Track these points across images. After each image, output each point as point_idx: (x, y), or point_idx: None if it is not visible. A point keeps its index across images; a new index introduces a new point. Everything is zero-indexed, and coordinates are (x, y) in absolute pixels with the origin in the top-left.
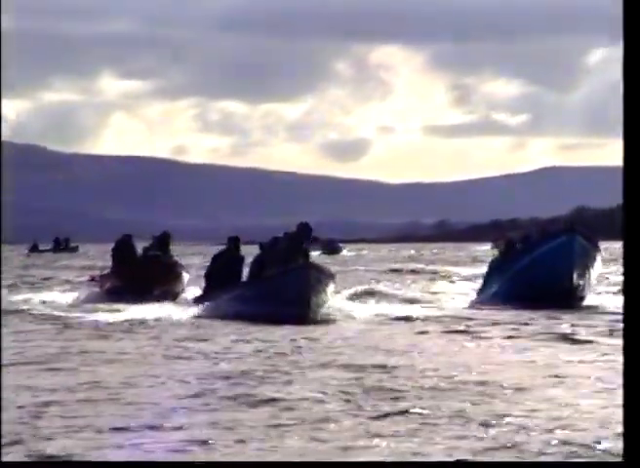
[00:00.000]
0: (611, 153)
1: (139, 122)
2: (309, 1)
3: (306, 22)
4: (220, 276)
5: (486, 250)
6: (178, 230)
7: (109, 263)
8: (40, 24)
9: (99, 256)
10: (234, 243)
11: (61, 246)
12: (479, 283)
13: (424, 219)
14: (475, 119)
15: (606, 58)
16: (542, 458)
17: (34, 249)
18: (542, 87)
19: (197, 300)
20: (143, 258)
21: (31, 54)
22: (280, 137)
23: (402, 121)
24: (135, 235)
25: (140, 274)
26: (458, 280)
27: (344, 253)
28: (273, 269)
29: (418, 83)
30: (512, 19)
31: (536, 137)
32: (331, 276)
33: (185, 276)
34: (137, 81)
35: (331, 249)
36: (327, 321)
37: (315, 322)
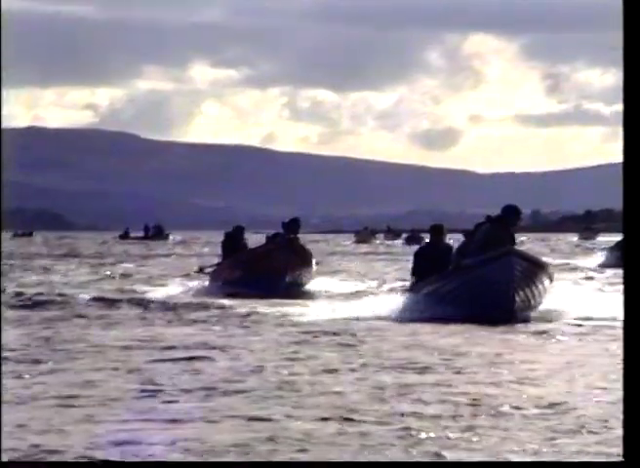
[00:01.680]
0: None
1: (229, 110)
2: None
3: (399, 12)
4: (425, 272)
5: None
6: (267, 220)
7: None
8: (133, 14)
9: (196, 245)
10: (436, 231)
11: (150, 233)
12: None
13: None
14: (569, 108)
15: None
16: None
17: (125, 235)
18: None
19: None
20: (277, 242)
21: (125, 43)
22: (370, 126)
23: (493, 110)
24: (231, 224)
25: (271, 260)
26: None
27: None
28: (472, 259)
29: (510, 72)
30: (606, 9)
31: None
32: (542, 267)
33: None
34: (227, 70)
35: (413, 238)
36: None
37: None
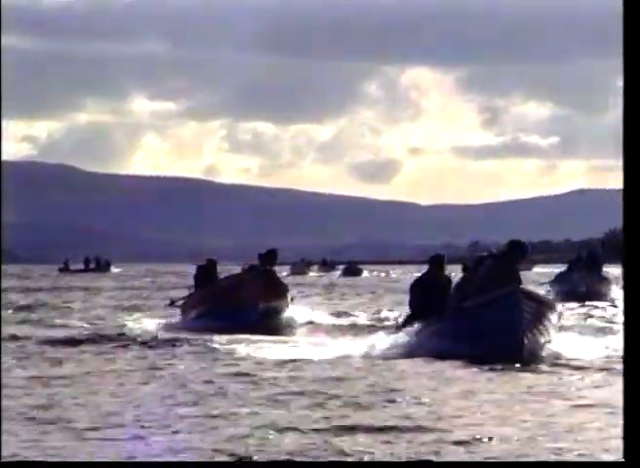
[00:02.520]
0: None
1: (170, 143)
2: (340, 22)
3: (337, 44)
4: (422, 305)
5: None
6: (211, 250)
7: (142, 282)
8: (71, 46)
9: (138, 276)
10: (436, 262)
11: (91, 265)
12: None
13: (457, 241)
14: (505, 141)
15: None
16: None
17: (65, 268)
18: (573, 109)
19: (400, 327)
20: (250, 273)
21: (63, 74)
22: (310, 158)
23: (432, 142)
24: (171, 256)
25: (242, 291)
26: None
27: (365, 274)
28: (475, 298)
29: (448, 105)
30: (543, 42)
31: (566, 160)
32: (550, 306)
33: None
34: (166, 102)
35: (350, 270)
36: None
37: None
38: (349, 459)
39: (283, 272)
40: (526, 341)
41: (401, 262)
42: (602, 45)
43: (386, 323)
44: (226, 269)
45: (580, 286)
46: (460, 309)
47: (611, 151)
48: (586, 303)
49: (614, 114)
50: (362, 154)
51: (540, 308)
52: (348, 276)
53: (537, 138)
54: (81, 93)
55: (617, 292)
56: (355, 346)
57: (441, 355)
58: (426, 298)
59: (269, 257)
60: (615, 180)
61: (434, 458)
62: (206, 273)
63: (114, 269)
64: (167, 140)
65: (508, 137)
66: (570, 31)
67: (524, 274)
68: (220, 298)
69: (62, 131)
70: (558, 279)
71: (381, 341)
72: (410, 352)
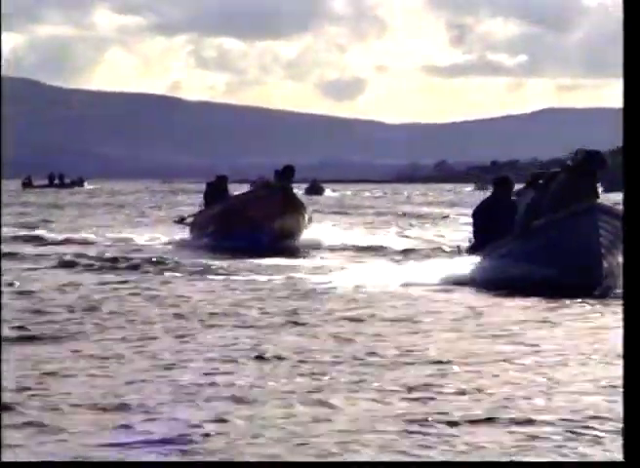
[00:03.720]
0: (609, 94)
1: (135, 58)
2: None
3: None
4: (489, 232)
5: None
6: (175, 167)
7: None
8: None
9: (105, 193)
10: (502, 184)
11: (56, 182)
12: None
13: (424, 160)
14: (473, 59)
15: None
16: None
17: (27, 184)
18: (540, 27)
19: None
20: (267, 189)
21: None
22: (277, 75)
23: (399, 60)
24: (139, 172)
25: (258, 209)
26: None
27: (328, 193)
28: (546, 217)
29: (414, 22)
30: None
31: (534, 78)
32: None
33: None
34: (132, 16)
35: (312, 189)
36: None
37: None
38: None
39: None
40: (605, 265)
41: (367, 181)
42: None
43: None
44: (197, 187)
45: None
46: (529, 229)
47: (577, 70)
48: None
49: (580, 33)
50: (328, 72)
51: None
52: (311, 194)
53: (504, 57)
54: (41, 3)
55: None
56: (413, 273)
57: (508, 281)
58: (493, 225)
59: (287, 173)
60: (581, 99)
61: None
62: (216, 190)
63: (88, 185)
64: (132, 55)
65: (476, 55)
66: None
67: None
68: (233, 216)
69: (25, 45)
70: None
71: (443, 268)
72: (477, 279)
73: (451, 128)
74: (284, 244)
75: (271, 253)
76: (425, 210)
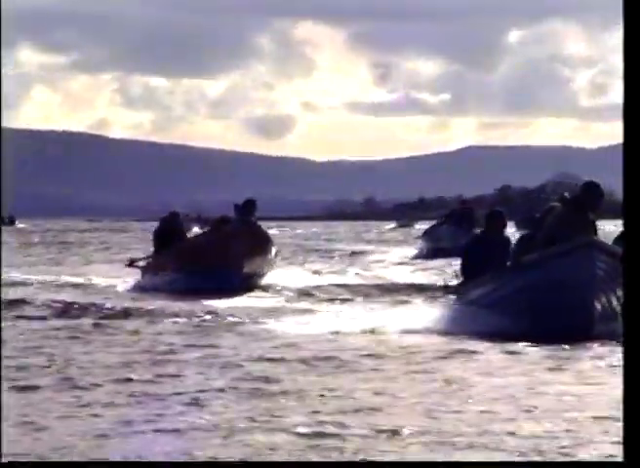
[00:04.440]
0: (532, 132)
1: (60, 96)
2: None
3: None
4: (477, 269)
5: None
6: (101, 206)
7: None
8: None
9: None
10: (496, 219)
11: None
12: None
13: (352, 197)
14: (397, 97)
15: (525, 38)
16: None
17: None
18: (463, 66)
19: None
20: (233, 226)
21: None
22: (203, 113)
23: (325, 98)
24: (65, 211)
25: (228, 248)
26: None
27: None
28: (539, 252)
29: (340, 60)
30: None
31: (457, 117)
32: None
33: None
34: (56, 55)
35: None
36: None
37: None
38: None
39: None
40: (598, 307)
41: (294, 218)
42: (493, 1)
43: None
44: (128, 225)
45: (446, 241)
46: (518, 265)
47: (499, 108)
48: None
49: (502, 71)
50: (255, 109)
51: (620, 267)
52: None
53: (428, 95)
54: None
55: None
56: (392, 316)
57: (489, 328)
58: (480, 263)
59: (249, 207)
60: (505, 137)
61: None
62: (169, 227)
63: (19, 224)
64: (57, 93)
65: (401, 94)
66: None
67: (407, 231)
68: (198, 256)
69: None
70: (426, 234)
71: (427, 312)
72: (465, 326)
73: (376, 165)
74: (251, 282)
75: (241, 292)
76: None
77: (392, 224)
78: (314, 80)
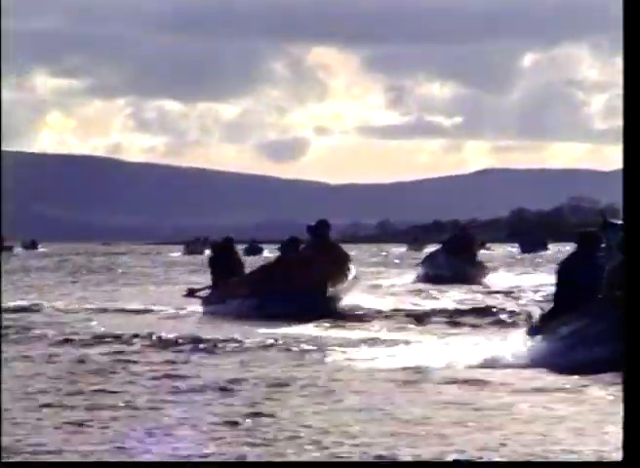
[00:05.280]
0: (545, 156)
1: (75, 120)
2: (245, 1)
3: (242, 22)
4: (570, 297)
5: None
6: (115, 229)
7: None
8: None
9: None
10: (588, 240)
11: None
12: None
13: (365, 220)
14: (411, 121)
15: (540, 61)
16: None
17: None
18: (476, 89)
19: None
20: (313, 247)
21: None
22: (217, 137)
23: (339, 122)
24: (83, 234)
25: (310, 269)
26: None
27: (266, 254)
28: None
29: (353, 84)
30: (446, 22)
31: (471, 140)
32: None
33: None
34: (69, 79)
35: (250, 250)
36: None
37: None
38: None
39: (176, 252)
40: None
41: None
42: (506, 24)
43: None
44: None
45: (445, 269)
46: (612, 297)
47: (513, 131)
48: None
49: (516, 95)
50: (269, 133)
51: None
52: (249, 255)
53: (441, 119)
54: None
55: (494, 278)
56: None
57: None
58: (574, 291)
59: (321, 230)
60: (517, 161)
61: None
62: (224, 253)
63: (41, 248)
64: (72, 118)
65: (413, 117)
66: (472, 10)
67: (413, 254)
68: (277, 279)
69: None
70: (426, 261)
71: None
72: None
73: (391, 188)
74: (333, 307)
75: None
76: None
77: (404, 248)
78: (327, 104)
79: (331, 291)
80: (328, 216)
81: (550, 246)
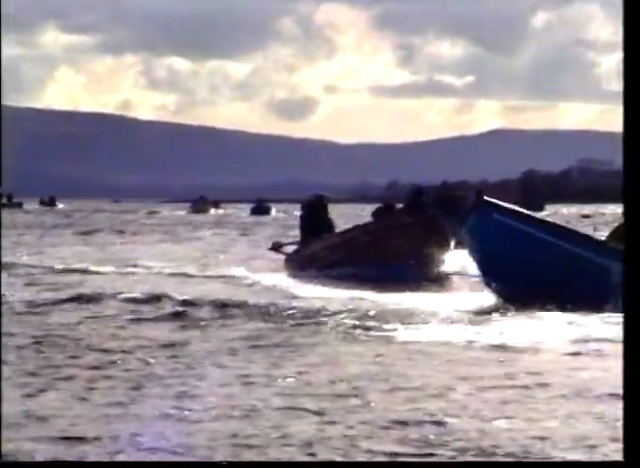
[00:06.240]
0: (556, 116)
1: (84, 77)
2: None
3: None
4: None
5: None
6: (125, 188)
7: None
8: None
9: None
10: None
11: (3, 200)
12: None
13: (375, 180)
14: (421, 80)
15: (550, 21)
16: None
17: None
18: (487, 49)
19: None
20: (418, 216)
21: None
22: (226, 96)
23: (348, 80)
24: (94, 191)
25: (412, 238)
26: None
27: (273, 213)
28: None
29: (363, 42)
30: None
31: (482, 99)
32: None
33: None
34: (79, 36)
35: (259, 209)
36: None
37: None
38: None
39: (181, 210)
40: None
41: None
42: None
43: None
44: (149, 206)
45: None
46: None
47: (524, 91)
48: None
49: (526, 54)
50: (278, 92)
51: None
52: (257, 214)
53: (452, 78)
54: None
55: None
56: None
57: None
58: None
59: (418, 196)
60: (529, 121)
61: None
62: (316, 212)
63: (60, 205)
64: (81, 74)
65: (424, 76)
66: None
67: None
68: (371, 245)
69: None
70: None
71: None
72: None
73: (400, 148)
74: (428, 275)
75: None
76: None
77: None
78: (336, 63)
79: (426, 258)
80: (337, 176)
81: (550, 207)
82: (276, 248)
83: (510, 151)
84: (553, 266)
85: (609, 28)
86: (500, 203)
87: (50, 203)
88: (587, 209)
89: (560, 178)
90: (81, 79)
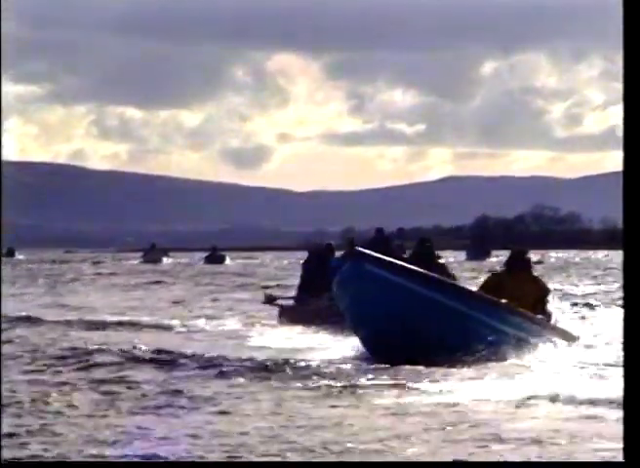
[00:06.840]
0: (508, 163)
1: (36, 127)
2: (199, 6)
3: (199, 27)
4: None
5: None
6: (76, 237)
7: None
8: None
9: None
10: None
11: None
12: None
13: (330, 228)
14: (373, 128)
15: (499, 69)
16: None
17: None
18: (438, 97)
19: None
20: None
21: None
22: (179, 144)
23: (301, 129)
24: (45, 241)
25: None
26: None
27: (228, 262)
28: None
29: (315, 91)
30: (404, 29)
31: (434, 147)
32: None
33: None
34: (29, 85)
35: (213, 257)
36: None
37: None
38: None
39: (133, 260)
40: None
41: (273, 248)
42: (465, 32)
43: None
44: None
45: None
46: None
47: (475, 138)
48: None
49: (477, 102)
50: (231, 140)
51: None
52: (212, 263)
53: (403, 126)
54: None
55: None
56: None
57: None
58: None
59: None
60: (481, 168)
61: None
62: (322, 262)
63: (18, 256)
64: (32, 125)
65: (376, 124)
66: (430, 18)
67: None
68: None
69: None
70: None
71: None
72: None
73: (355, 196)
74: None
75: None
76: None
77: None
78: (289, 111)
79: None
80: (292, 223)
81: (501, 253)
82: (270, 301)
83: (463, 197)
84: (425, 319)
85: (555, 77)
86: (372, 253)
87: (8, 254)
88: (539, 254)
89: (514, 224)
90: (32, 129)
